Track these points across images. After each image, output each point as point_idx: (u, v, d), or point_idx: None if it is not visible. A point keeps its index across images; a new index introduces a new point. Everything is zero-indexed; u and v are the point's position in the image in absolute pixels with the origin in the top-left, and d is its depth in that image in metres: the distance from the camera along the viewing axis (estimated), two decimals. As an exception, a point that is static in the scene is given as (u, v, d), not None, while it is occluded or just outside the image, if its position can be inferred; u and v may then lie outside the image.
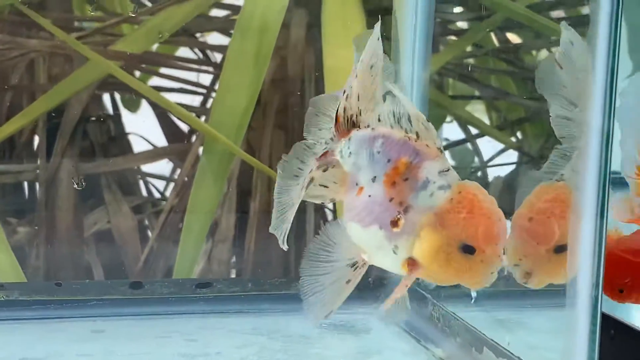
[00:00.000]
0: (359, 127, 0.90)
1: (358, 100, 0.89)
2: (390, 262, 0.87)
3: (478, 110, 1.67)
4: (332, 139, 0.94)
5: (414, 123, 0.85)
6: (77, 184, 1.42)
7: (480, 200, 0.83)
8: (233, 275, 1.52)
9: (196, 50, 1.62)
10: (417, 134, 0.85)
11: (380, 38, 0.87)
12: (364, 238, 0.88)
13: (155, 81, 1.61)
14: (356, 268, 0.90)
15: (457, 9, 1.60)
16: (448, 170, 0.85)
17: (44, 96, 1.40)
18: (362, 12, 1.43)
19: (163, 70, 1.58)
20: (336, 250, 0.91)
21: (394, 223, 0.85)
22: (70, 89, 1.40)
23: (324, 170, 0.93)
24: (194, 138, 1.58)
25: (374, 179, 0.87)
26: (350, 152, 0.91)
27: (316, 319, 0.91)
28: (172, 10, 1.44)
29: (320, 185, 0.94)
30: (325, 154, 0.93)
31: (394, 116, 0.87)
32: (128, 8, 1.57)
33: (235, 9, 1.55)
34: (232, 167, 1.46)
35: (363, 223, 0.88)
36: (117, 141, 1.62)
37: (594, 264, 0.82)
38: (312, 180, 0.94)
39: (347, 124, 0.91)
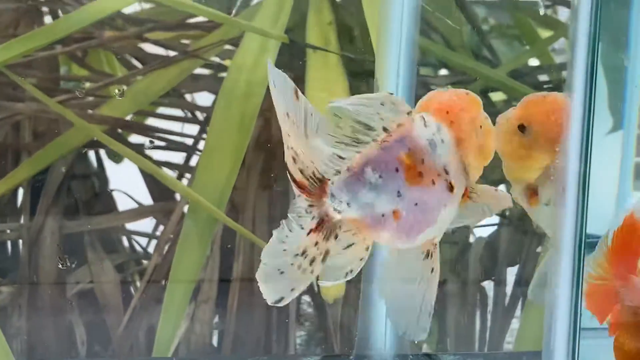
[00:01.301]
0: (324, 179, 0.83)
1: (303, 154, 0.82)
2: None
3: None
4: (310, 206, 0.83)
5: (374, 109, 0.84)
6: (62, 264, 1.42)
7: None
8: (215, 337, 1.52)
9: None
10: (383, 128, 0.84)
11: (275, 84, 0.83)
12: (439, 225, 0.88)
13: (139, 137, 1.62)
14: (431, 255, 0.90)
15: (441, 72, 1.62)
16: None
17: (28, 161, 1.41)
18: (345, 76, 1.44)
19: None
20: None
21: (450, 189, 0.87)
22: (54, 154, 1.40)
23: (335, 238, 0.84)
24: (179, 195, 1.59)
25: (399, 194, 0.85)
26: (347, 202, 0.84)
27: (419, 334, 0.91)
28: (158, 73, 1.45)
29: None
30: (318, 225, 0.83)
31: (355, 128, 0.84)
32: (117, 69, 1.58)
33: (222, 68, 1.56)
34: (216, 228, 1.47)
35: (432, 218, 0.87)
36: (102, 198, 1.63)
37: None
38: (327, 253, 0.85)
39: (315, 183, 0.83)
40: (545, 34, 1.68)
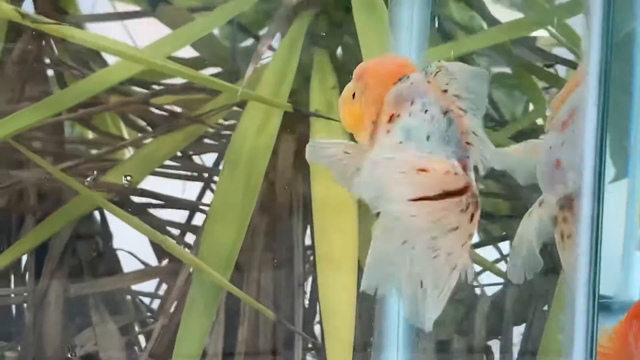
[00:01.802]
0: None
1: None
2: None
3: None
4: None
5: None
6: (71, 354, 1.42)
7: None
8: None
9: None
10: None
11: None
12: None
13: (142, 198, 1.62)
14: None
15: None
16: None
17: (33, 232, 1.41)
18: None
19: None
20: None
21: None
22: (59, 223, 1.41)
23: None
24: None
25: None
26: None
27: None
28: (164, 138, 1.46)
29: None
30: None
31: None
32: (122, 129, 1.59)
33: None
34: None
35: None
36: (106, 258, 1.63)
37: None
38: None
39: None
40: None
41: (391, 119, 0.77)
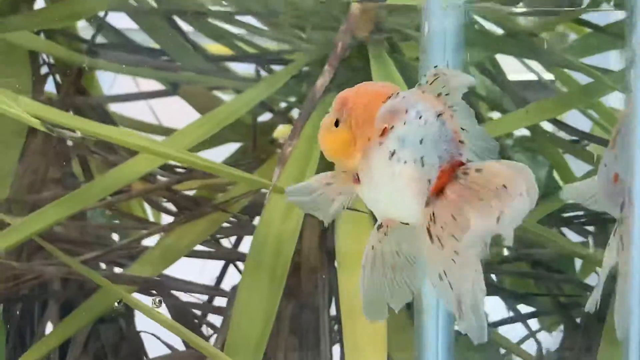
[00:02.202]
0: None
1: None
2: None
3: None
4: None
5: None
6: None
7: None
8: None
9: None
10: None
11: None
12: None
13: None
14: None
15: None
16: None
17: (56, 329, 1.40)
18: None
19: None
20: None
21: None
22: (82, 319, 1.39)
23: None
24: (213, 337, 1.57)
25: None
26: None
27: None
28: (186, 228, 1.44)
29: None
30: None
31: None
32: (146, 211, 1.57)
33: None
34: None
35: None
36: (130, 342, 1.61)
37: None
38: None
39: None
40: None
41: (384, 132, 0.78)
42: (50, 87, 1.67)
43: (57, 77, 1.64)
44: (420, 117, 0.77)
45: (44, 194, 1.51)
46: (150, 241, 1.56)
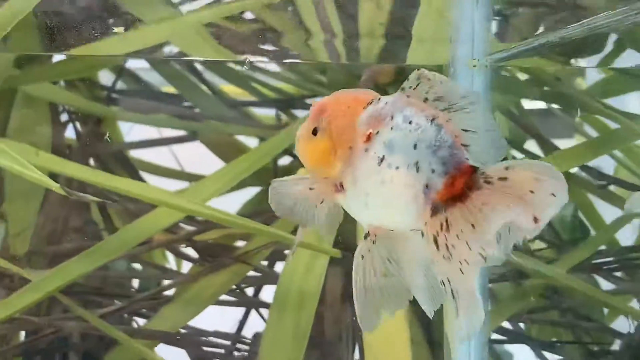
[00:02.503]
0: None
1: None
2: None
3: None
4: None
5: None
6: None
7: None
8: None
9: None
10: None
11: None
12: None
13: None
14: None
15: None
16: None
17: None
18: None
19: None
20: None
21: None
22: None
23: None
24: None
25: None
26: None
27: None
28: (209, 279, 1.42)
29: None
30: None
31: None
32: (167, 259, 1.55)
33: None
34: None
35: None
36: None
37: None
38: None
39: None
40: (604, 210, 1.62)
41: (369, 137, 0.77)
42: (70, 132, 1.67)
43: (77, 123, 1.64)
44: (410, 122, 0.75)
45: (64, 244, 1.50)
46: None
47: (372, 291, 0.81)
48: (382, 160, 0.76)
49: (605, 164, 1.67)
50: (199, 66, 1.65)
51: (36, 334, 1.47)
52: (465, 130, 0.74)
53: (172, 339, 1.42)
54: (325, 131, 0.79)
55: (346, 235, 1.42)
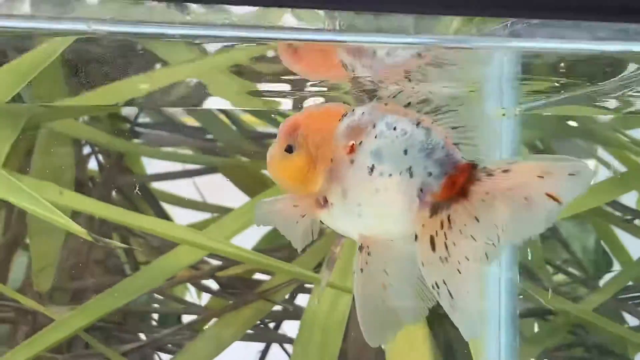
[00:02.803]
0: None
1: None
2: None
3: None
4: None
5: None
6: None
7: None
8: None
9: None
10: None
11: None
12: None
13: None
14: None
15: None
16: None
17: None
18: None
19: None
20: None
21: None
22: None
23: None
24: None
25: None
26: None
27: None
28: (231, 315, 1.42)
29: None
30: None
31: None
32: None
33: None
34: None
35: None
36: None
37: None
38: None
39: None
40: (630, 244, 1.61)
41: (352, 149, 0.76)
42: (92, 163, 1.67)
43: (100, 156, 1.64)
44: (394, 128, 0.75)
45: (87, 280, 1.50)
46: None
47: (375, 304, 0.80)
48: (372, 169, 0.75)
49: (627, 196, 1.66)
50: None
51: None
52: (454, 128, 0.74)
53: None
54: (302, 147, 0.78)
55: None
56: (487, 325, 1.15)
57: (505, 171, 0.72)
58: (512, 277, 1.16)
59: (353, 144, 0.76)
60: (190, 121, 1.70)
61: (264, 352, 1.63)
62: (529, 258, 1.42)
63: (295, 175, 0.78)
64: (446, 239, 0.74)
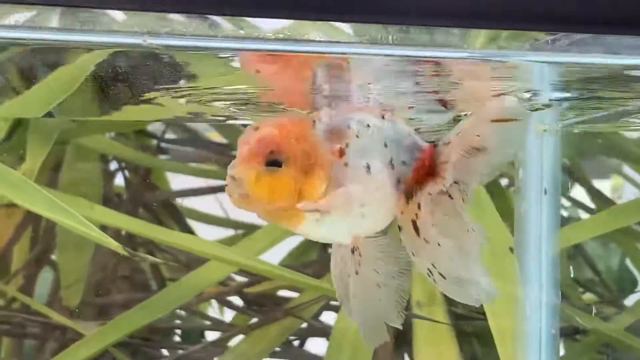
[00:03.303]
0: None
1: None
2: None
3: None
4: None
5: None
6: None
7: None
8: None
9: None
10: None
11: None
12: None
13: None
14: None
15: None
16: None
17: None
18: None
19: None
20: None
21: None
22: None
23: None
24: None
25: None
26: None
27: None
28: (259, 333, 1.41)
29: None
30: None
31: None
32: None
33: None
34: None
35: None
36: None
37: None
38: None
39: None
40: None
41: (341, 152, 0.76)
42: (119, 179, 1.68)
43: (126, 172, 1.65)
44: (367, 126, 0.76)
45: (114, 296, 1.50)
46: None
47: (373, 304, 0.81)
48: (368, 167, 0.76)
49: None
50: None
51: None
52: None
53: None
54: (290, 160, 0.74)
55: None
56: (527, 346, 1.15)
57: (458, 134, 0.76)
58: (552, 298, 1.15)
59: (341, 147, 0.76)
60: (216, 137, 1.71)
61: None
62: (570, 276, 1.42)
63: (289, 189, 0.75)
64: (426, 218, 0.76)
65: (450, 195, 0.77)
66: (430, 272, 0.78)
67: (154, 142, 1.64)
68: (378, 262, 0.80)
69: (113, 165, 1.66)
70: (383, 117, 0.77)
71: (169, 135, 1.66)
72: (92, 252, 1.45)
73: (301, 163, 0.75)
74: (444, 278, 0.78)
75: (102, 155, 1.57)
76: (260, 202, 0.74)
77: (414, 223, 0.77)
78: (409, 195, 0.77)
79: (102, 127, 1.47)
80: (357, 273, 0.80)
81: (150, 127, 1.68)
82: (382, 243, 0.80)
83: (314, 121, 0.76)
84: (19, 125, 1.33)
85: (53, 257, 1.56)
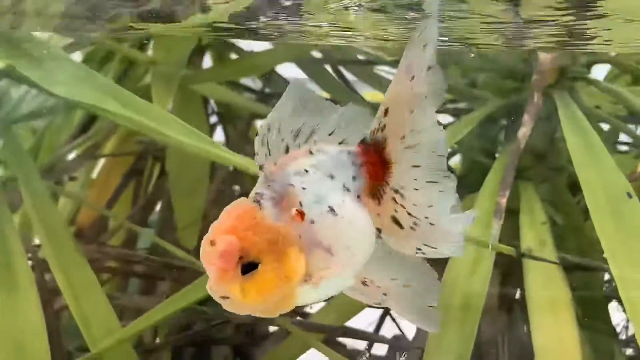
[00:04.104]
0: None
1: None
2: None
3: None
4: None
5: None
6: None
7: None
8: None
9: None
10: None
11: None
12: None
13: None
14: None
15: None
16: None
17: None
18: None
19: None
20: None
21: None
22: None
23: None
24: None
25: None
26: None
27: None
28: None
29: None
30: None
31: None
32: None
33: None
34: None
35: None
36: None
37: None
38: None
39: None
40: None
41: (301, 214, 0.74)
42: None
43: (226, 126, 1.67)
44: (306, 171, 0.74)
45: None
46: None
47: (408, 303, 0.82)
48: (332, 210, 0.74)
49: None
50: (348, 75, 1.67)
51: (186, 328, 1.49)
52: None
53: (337, 334, 1.42)
54: (261, 255, 0.72)
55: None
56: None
57: (385, 113, 0.75)
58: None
59: (297, 210, 0.74)
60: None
61: (380, 322, 1.63)
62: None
63: (276, 282, 0.73)
64: (403, 207, 0.76)
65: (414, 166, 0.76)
66: (422, 252, 0.77)
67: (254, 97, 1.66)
68: (390, 272, 0.80)
69: (212, 119, 1.69)
70: (311, 153, 0.75)
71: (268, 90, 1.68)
72: (205, 196, 1.47)
73: (272, 251, 0.73)
74: (435, 248, 0.77)
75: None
76: (256, 305, 0.73)
77: (394, 218, 0.76)
78: (375, 196, 0.77)
79: (215, 75, 1.49)
80: (385, 295, 0.81)
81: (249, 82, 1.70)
82: (381, 254, 0.79)
83: (258, 202, 0.74)
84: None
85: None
